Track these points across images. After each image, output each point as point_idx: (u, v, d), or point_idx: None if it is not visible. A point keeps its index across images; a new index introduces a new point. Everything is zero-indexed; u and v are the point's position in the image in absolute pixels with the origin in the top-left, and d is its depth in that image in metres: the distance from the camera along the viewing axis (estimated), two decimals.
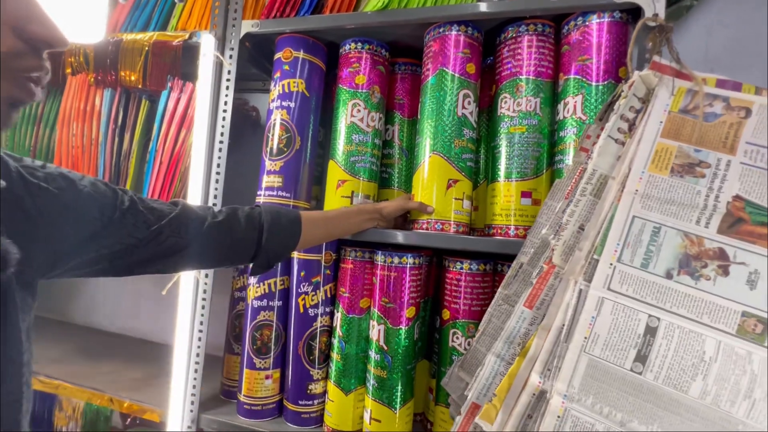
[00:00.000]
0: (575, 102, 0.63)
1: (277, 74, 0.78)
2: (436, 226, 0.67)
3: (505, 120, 0.67)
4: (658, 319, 0.48)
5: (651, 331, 0.48)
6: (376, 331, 0.68)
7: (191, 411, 0.77)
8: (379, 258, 0.69)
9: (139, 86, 0.85)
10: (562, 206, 0.59)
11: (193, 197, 0.77)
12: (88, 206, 0.43)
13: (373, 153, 0.78)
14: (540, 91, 0.66)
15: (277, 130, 0.77)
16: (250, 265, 0.60)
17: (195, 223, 0.52)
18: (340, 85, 0.78)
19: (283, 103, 0.77)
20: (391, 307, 0.67)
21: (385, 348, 0.67)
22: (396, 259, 0.68)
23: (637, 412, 0.47)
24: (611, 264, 0.51)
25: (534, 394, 0.51)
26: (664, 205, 0.51)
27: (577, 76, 0.63)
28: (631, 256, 0.51)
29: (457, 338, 0.67)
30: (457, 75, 0.69)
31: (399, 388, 0.67)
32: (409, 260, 0.68)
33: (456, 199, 0.67)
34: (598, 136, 0.59)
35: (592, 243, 0.53)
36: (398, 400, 0.67)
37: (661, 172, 0.52)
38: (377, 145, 0.79)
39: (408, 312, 0.68)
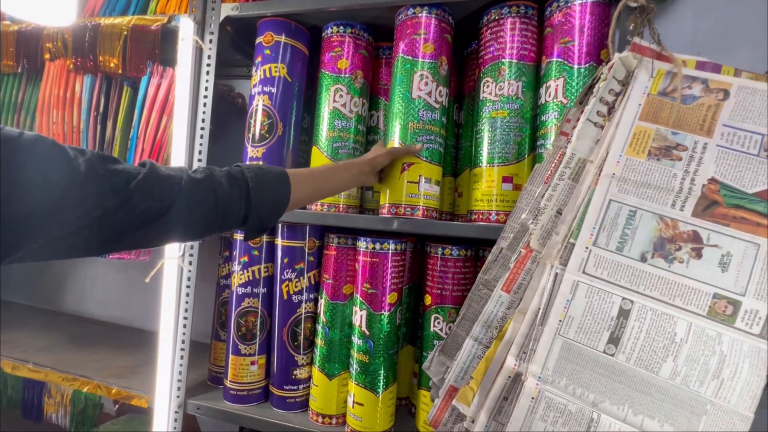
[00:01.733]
0: (557, 85, 0.62)
1: (258, 59, 0.77)
2: (390, 210, 0.67)
3: (488, 104, 0.67)
4: (632, 301, 0.49)
5: (624, 314, 0.49)
6: (358, 316, 0.69)
7: (178, 397, 0.78)
8: (362, 244, 0.69)
9: (119, 72, 0.83)
10: (541, 191, 0.59)
11: None
12: (37, 174, 0.35)
13: (356, 139, 0.77)
14: (522, 74, 0.65)
15: (259, 116, 0.76)
16: (242, 232, 0.53)
17: (170, 182, 0.43)
18: (323, 70, 0.77)
19: (265, 89, 0.76)
20: (372, 293, 0.68)
21: (368, 333, 0.68)
22: (378, 245, 0.68)
23: (608, 392, 0.48)
24: (587, 248, 0.51)
25: (510, 377, 0.52)
26: (640, 189, 0.51)
27: (560, 59, 0.62)
28: (607, 239, 0.51)
29: (439, 323, 0.68)
30: (408, 57, 0.68)
31: (381, 372, 0.68)
32: (390, 246, 0.68)
33: (410, 182, 0.67)
34: (578, 120, 0.58)
35: (568, 227, 0.53)
36: (381, 384, 0.68)
37: (639, 155, 0.52)
38: (360, 131, 0.78)
39: (390, 298, 0.68)
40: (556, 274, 0.51)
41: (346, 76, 0.75)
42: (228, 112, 1.07)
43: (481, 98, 0.68)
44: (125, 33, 0.81)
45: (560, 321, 0.50)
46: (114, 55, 0.82)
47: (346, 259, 0.73)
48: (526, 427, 0.49)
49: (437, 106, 0.69)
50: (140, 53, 0.81)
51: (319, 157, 0.76)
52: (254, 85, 0.78)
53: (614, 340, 0.48)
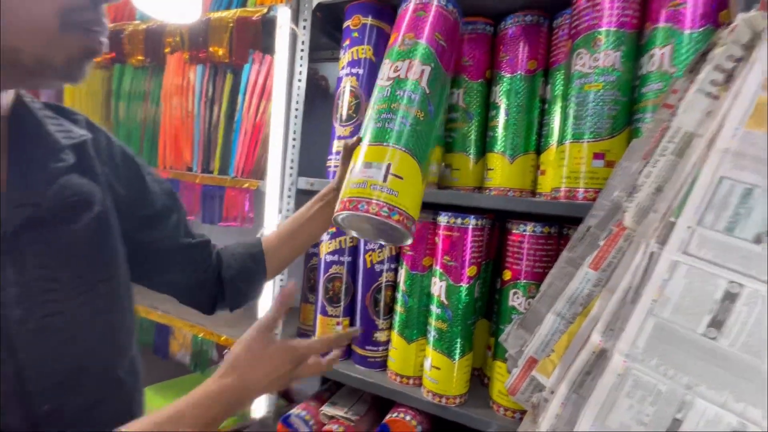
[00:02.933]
0: (663, 53, 0.58)
1: (347, 42, 0.81)
2: None
3: (580, 77, 0.64)
4: (741, 285, 0.45)
5: (730, 297, 0.46)
6: (437, 287, 0.73)
7: None
8: (442, 219, 0.72)
9: (226, 60, 0.94)
10: (639, 167, 0.56)
11: (273, 162, 0.85)
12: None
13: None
14: (621, 43, 0.61)
15: (347, 97, 0.81)
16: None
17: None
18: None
19: (352, 70, 0.81)
20: (452, 266, 0.71)
21: (446, 303, 0.72)
22: (459, 220, 0.70)
23: (706, 376, 0.46)
24: (689, 227, 0.48)
25: (594, 353, 0.52)
26: (759, 165, 0.46)
27: (667, 24, 0.57)
28: (715, 219, 0.48)
29: (518, 298, 0.69)
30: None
31: (458, 340, 0.71)
32: (471, 222, 0.70)
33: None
34: (686, 91, 0.54)
35: (668, 205, 0.51)
36: (457, 351, 0.72)
37: (760, 128, 0.47)
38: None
39: (469, 271, 0.70)
40: (652, 252, 0.50)
41: None
42: (313, 94, 1.14)
43: (573, 71, 0.66)
44: (231, 25, 0.91)
45: (654, 300, 0.49)
46: (222, 45, 0.93)
47: (426, 233, 0.77)
48: (609, 402, 0.50)
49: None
50: (244, 42, 0.90)
51: None
52: (342, 68, 0.83)
53: (716, 323, 0.46)
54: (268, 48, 0.89)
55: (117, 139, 0.52)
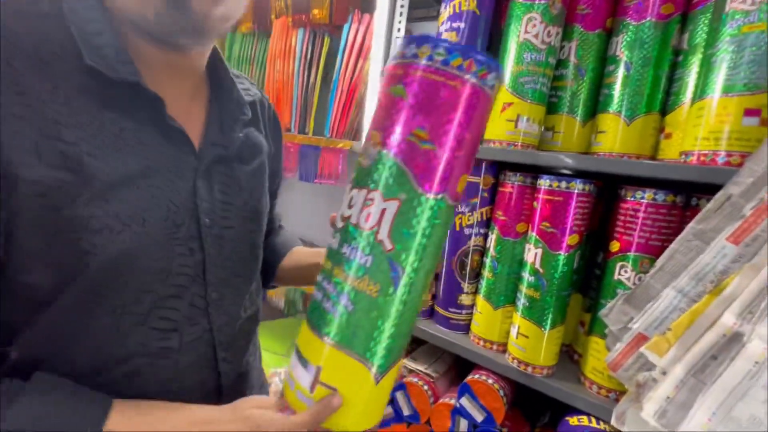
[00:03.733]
0: None
1: None
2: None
3: (736, 17, 0.53)
4: None
5: None
6: (532, 254, 0.69)
7: None
8: (544, 182, 0.68)
9: (326, 22, 0.97)
10: None
11: (368, 122, 0.87)
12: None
13: (545, 73, 0.73)
14: None
15: None
16: None
17: None
18: None
19: (453, 25, 0.77)
20: (551, 232, 0.67)
21: (541, 271, 0.68)
22: (563, 184, 0.65)
23: None
24: None
25: (725, 335, 0.46)
26: None
27: None
28: None
29: (626, 272, 0.63)
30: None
31: (551, 310, 0.68)
32: (578, 186, 0.65)
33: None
34: None
35: None
36: (548, 321, 0.69)
37: None
38: (550, 65, 0.73)
39: (570, 239, 0.66)
40: None
41: (542, 2, 0.70)
42: None
43: (726, 11, 0.55)
44: None
45: None
46: (323, 6, 0.95)
47: (522, 197, 0.73)
48: (740, 391, 0.44)
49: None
50: (345, 2, 0.91)
51: (501, 93, 0.75)
52: (442, 23, 0.80)
53: None
54: (367, 7, 0.89)
55: (271, 104, 0.63)
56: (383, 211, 0.34)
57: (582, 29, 0.74)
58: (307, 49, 1.03)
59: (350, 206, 0.36)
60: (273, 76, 1.08)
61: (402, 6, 0.82)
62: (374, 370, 0.36)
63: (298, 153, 1.04)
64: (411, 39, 0.35)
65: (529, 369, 0.71)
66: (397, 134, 0.34)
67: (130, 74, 0.39)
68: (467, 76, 0.33)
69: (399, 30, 0.83)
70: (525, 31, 0.71)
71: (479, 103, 0.34)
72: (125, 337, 0.42)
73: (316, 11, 0.96)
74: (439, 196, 0.34)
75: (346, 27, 0.92)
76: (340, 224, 0.37)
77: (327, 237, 0.42)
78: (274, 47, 1.06)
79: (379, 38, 0.84)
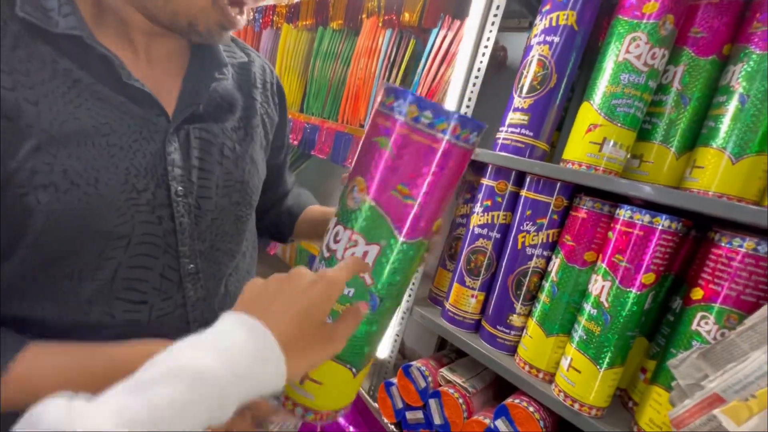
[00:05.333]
0: None
1: (547, 6, 0.75)
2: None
3: None
4: None
5: None
6: (599, 286, 0.65)
7: (407, 302, 0.96)
8: (625, 213, 0.63)
9: (415, 25, 0.98)
10: None
11: None
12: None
13: (643, 97, 0.68)
14: None
15: (534, 67, 0.77)
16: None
17: None
18: (620, 16, 0.69)
19: (547, 38, 0.75)
20: (624, 266, 0.62)
21: (606, 305, 0.64)
22: (647, 217, 0.61)
23: None
24: None
25: None
26: None
27: None
28: None
29: (707, 324, 0.57)
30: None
31: (611, 348, 0.64)
32: (663, 222, 0.60)
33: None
34: None
35: None
36: (606, 360, 0.64)
37: None
38: (650, 89, 0.68)
39: (645, 278, 0.61)
40: None
41: (651, 21, 0.65)
42: (488, 64, 1.11)
43: None
44: None
45: None
46: (414, 10, 0.97)
47: (596, 224, 0.69)
48: None
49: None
50: (437, 7, 0.92)
51: (589, 113, 0.71)
52: (535, 35, 0.77)
53: None
54: (459, 13, 0.89)
55: (277, 76, 0.63)
56: (365, 253, 0.38)
57: (693, 54, 0.68)
58: (392, 50, 1.06)
59: (336, 241, 0.39)
60: (356, 72, 1.12)
61: (495, 15, 0.81)
62: (354, 370, 0.42)
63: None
64: (396, 93, 0.37)
65: (576, 406, 0.67)
66: (381, 187, 0.37)
67: (70, 28, 0.36)
68: (451, 139, 0.36)
69: (488, 39, 0.82)
70: (626, 50, 0.67)
71: (460, 162, 0.38)
72: (89, 304, 0.40)
73: (407, 14, 0.98)
74: (416, 240, 0.39)
75: (434, 31, 0.92)
76: (326, 254, 0.40)
77: None
78: (361, 45, 1.10)
79: (467, 46, 0.83)
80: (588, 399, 0.66)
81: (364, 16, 1.12)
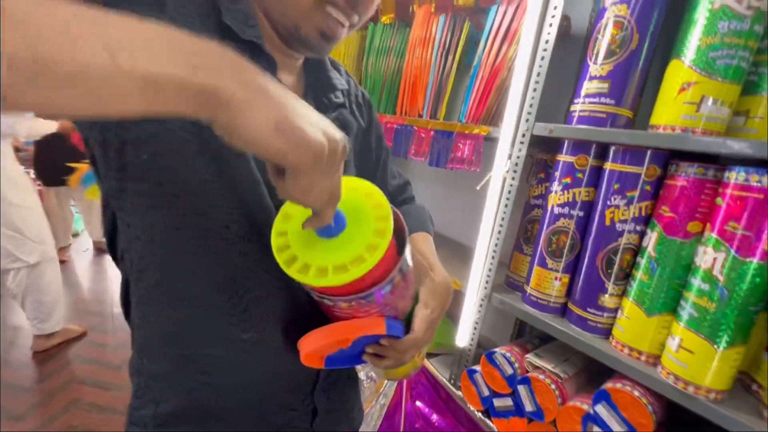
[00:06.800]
0: None
1: None
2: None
3: None
4: None
5: None
6: (709, 258, 0.60)
7: (485, 288, 0.94)
8: (738, 176, 0.57)
9: (471, 5, 0.96)
10: None
11: (511, 107, 0.85)
12: None
13: (747, 45, 0.61)
14: None
15: (609, 30, 0.71)
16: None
17: None
18: None
19: None
20: (741, 235, 0.56)
21: (721, 279, 0.59)
22: (765, 179, 0.54)
23: None
24: None
25: None
26: None
27: None
28: None
29: None
30: None
31: (730, 326, 0.58)
32: None
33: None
34: None
35: None
36: (724, 338, 0.59)
37: None
38: (756, 34, 0.61)
39: None
40: None
41: None
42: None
43: None
44: None
45: None
46: None
47: (699, 191, 0.63)
48: None
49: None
50: None
51: (680, 71, 0.65)
52: None
53: None
54: None
55: (363, 88, 0.65)
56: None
57: None
58: (446, 36, 1.04)
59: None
60: (411, 63, 1.12)
61: None
62: None
63: (431, 138, 1.07)
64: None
65: (691, 389, 0.62)
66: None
67: (255, 36, 0.43)
68: None
69: (555, 8, 0.77)
70: None
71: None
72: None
73: None
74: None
75: (493, 8, 0.89)
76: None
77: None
78: (415, 35, 1.10)
79: (532, 19, 0.80)
80: (704, 381, 0.61)
81: (415, 6, 1.11)
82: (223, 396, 0.48)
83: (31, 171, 2.91)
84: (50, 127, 2.01)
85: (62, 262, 2.63)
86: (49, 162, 2.69)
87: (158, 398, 0.47)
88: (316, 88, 0.55)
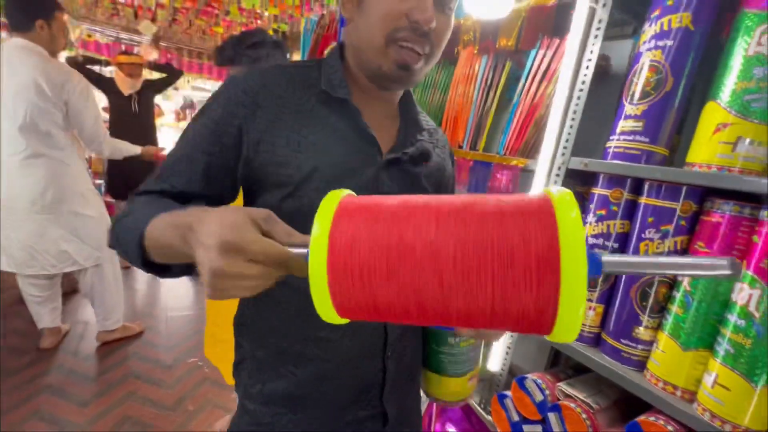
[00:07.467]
0: None
1: (656, 12, 0.75)
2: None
3: None
4: None
5: None
6: (746, 294, 0.61)
7: None
8: None
9: (512, 49, 1.04)
10: None
11: (548, 141, 0.90)
12: None
13: None
14: None
15: (645, 73, 0.76)
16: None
17: None
18: (745, 9, 0.66)
19: (658, 43, 0.74)
20: None
21: (756, 315, 0.59)
22: None
23: None
24: None
25: None
26: None
27: None
28: None
29: None
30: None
31: (767, 364, 0.58)
32: None
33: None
34: None
35: None
36: (763, 376, 0.58)
37: None
38: None
39: None
40: None
41: None
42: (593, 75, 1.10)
43: None
44: (523, 15, 0.99)
45: None
46: (511, 36, 1.03)
47: (735, 228, 0.65)
48: None
49: None
50: (534, 29, 0.97)
51: (716, 113, 0.68)
52: (644, 42, 0.77)
53: None
54: (557, 31, 0.92)
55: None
56: None
57: None
58: (488, 74, 1.12)
59: None
60: (454, 99, 1.21)
61: (598, 29, 0.82)
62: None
63: (470, 168, 1.14)
64: None
65: (728, 427, 0.61)
66: None
67: (343, 94, 0.58)
68: None
69: (592, 53, 0.83)
70: (758, 43, 0.64)
71: None
72: None
73: (503, 40, 1.04)
74: None
75: (533, 52, 0.96)
76: None
77: None
78: (459, 73, 1.19)
79: (570, 61, 0.86)
80: (742, 420, 0.60)
81: (460, 47, 1.21)
82: (302, 385, 0.60)
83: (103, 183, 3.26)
84: (134, 150, 2.22)
85: (126, 268, 2.89)
86: (121, 178, 3.01)
87: (264, 379, 0.62)
88: (408, 125, 0.67)
